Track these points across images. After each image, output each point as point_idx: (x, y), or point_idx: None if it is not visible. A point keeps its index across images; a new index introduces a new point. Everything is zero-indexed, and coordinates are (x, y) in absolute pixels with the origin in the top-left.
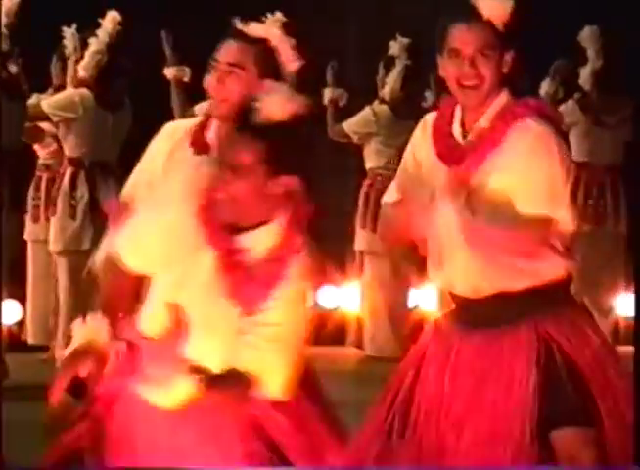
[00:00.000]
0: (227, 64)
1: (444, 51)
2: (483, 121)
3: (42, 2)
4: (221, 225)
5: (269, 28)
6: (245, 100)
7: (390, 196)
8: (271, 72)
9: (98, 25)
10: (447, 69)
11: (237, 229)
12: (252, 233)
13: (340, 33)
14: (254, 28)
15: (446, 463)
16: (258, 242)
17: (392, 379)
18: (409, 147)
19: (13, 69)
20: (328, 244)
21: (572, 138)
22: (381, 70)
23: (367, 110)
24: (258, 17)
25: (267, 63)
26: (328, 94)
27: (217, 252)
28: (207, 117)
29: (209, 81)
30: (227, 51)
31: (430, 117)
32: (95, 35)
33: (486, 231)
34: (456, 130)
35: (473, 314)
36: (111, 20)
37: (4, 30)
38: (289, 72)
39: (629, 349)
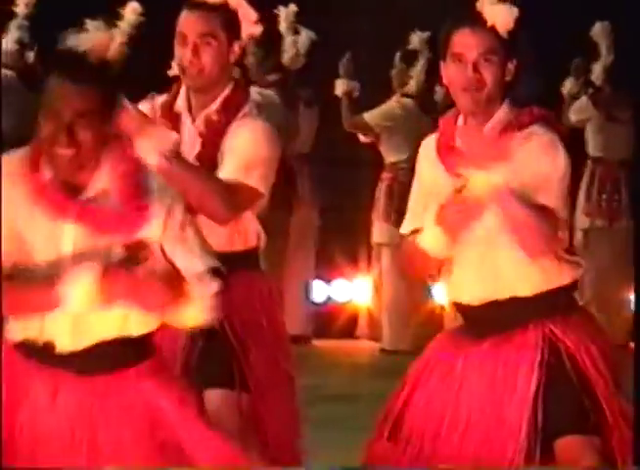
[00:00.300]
0: (200, 35)
1: (447, 56)
2: (490, 128)
3: None
4: (62, 192)
5: None
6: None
7: (407, 227)
8: (238, 35)
9: (114, 16)
10: (450, 74)
11: (77, 189)
12: (90, 188)
13: (351, 26)
14: None
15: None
16: (98, 192)
17: (397, 389)
18: (416, 176)
19: (30, 58)
20: (341, 237)
21: (586, 134)
22: (399, 64)
23: (392, 103)
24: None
25: (233, 26)
26: (342, 86)
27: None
28: (176, 89)
29: (183, 55)
30: (194, 22)
31: (428, 141)
32: (116, 26)
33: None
34: (459, 142)
35: (480, 324)
36: (132, 11)
37: (23, 21)
38: (249, 36)
39: None
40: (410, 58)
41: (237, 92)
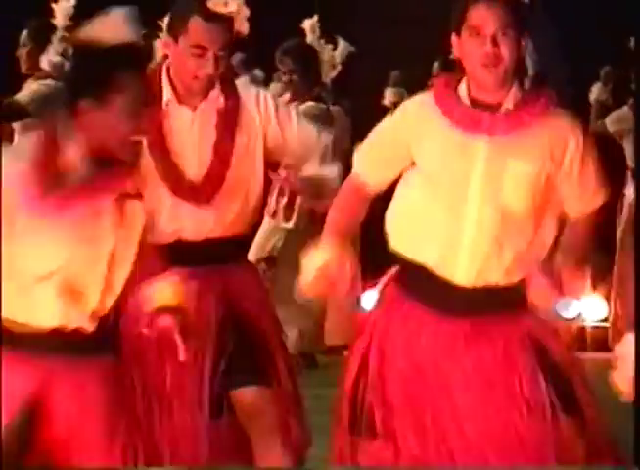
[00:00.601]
0: (220, 49)
1: (463, 30)
2: (509, 103)
3: (97, 4)
4: None
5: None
6: None
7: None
8: None
9: (153, 27)
10: (467, 48)
11: None
12: None
13: (389, 36)
14: (228, 5)
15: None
16: None
17: (348, 371)
18: (390, 129)
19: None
20: (374, 246)
21: (627, 145)
22: (439, 73)
23: None
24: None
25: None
26: (391, 96)
27: None
28: (158, 80)
29: (201, 67)
30: (214, 35)
31: (412, 104)
32: (157, 38)
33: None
34: (466, 100)
35: (458, 302)
36: None
37: (64, 33)
38: (242, 35)
39: None
40: (450, 66)
41: (225, 77)
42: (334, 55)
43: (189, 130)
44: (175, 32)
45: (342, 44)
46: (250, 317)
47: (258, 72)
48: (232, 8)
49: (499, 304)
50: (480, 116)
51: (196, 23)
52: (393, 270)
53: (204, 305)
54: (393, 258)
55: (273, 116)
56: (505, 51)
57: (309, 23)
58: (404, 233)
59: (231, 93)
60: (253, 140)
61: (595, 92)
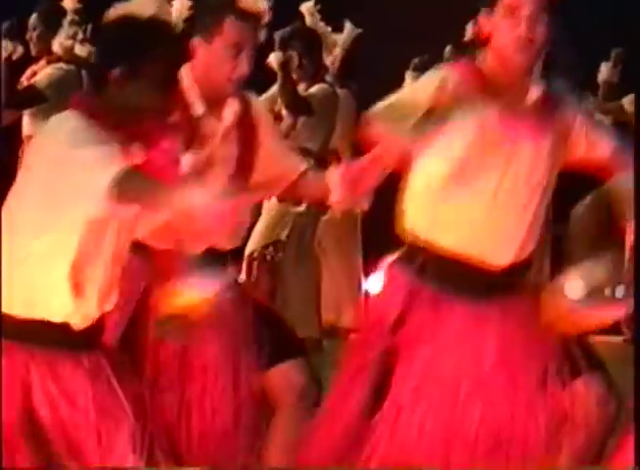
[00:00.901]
0: (254, 47)
1: (497, 7)
2: (533, 99)
3: None
4: None
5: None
6: None
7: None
8: None
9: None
10: (500, 26)
11: None
12: None
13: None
14: (258, 3)
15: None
16: None
17: (361, 349)
18: (419, 92)
19: (83, 52)
20: (380, 228)
21: None
22: (451, 57)
23: None
24: None
25: None
26: (410, 80)
27: None
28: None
29: (237, 66)
30: (250, 34)
31: (452, 75)
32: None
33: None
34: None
35: (484, 285)
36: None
37: (74, 16)
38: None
39: None
40: (463, 50)
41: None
42: (337, 38)
43: (218, 140)
44: (209, 33)
45: (348, 27)
46: (266, 307)
47: (293, 53)
48: (262, 6)
49: (517, 284)
50: (520, 123)
51: (231, 23)
52: (396, 256)
53: (237, 307)
54: (397, 243)
55: (272, 132)
56: (539, 34)
57: (307, 7)
58: (426, 215)
59: (242, 98)
60: (261, 146)
61: (604, 72)
